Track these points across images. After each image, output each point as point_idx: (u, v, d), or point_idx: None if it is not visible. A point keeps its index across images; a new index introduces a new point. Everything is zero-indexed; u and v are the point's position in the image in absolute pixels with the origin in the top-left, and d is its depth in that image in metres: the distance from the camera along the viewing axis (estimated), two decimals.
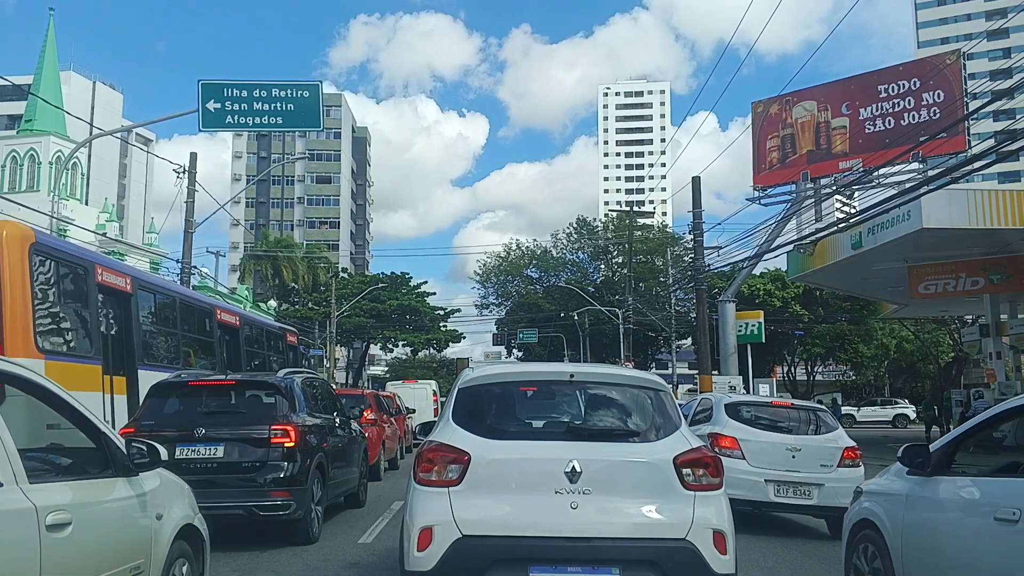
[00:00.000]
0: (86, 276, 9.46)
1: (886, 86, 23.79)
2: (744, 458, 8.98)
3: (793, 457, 8.95)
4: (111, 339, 9.85)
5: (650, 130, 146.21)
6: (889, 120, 23.64)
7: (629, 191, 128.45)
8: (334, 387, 16.17)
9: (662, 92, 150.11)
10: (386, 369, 75.77)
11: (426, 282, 58.77)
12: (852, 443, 9.25)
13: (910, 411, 43.02)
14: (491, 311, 60.66)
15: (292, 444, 7.78)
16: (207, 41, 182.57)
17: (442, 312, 59.01)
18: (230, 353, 13.81)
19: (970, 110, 18.58)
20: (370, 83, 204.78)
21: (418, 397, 27.55)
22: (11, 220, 9.10)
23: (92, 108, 62.70)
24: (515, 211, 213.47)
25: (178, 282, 20.00)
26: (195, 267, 24.80)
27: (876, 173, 22.03)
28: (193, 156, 22.71)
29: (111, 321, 9.96)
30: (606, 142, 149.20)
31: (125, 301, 10.32)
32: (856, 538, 5.38)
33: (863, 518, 5.28)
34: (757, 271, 35.41)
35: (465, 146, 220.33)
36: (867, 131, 23.98)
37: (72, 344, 9.19)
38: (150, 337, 11.22)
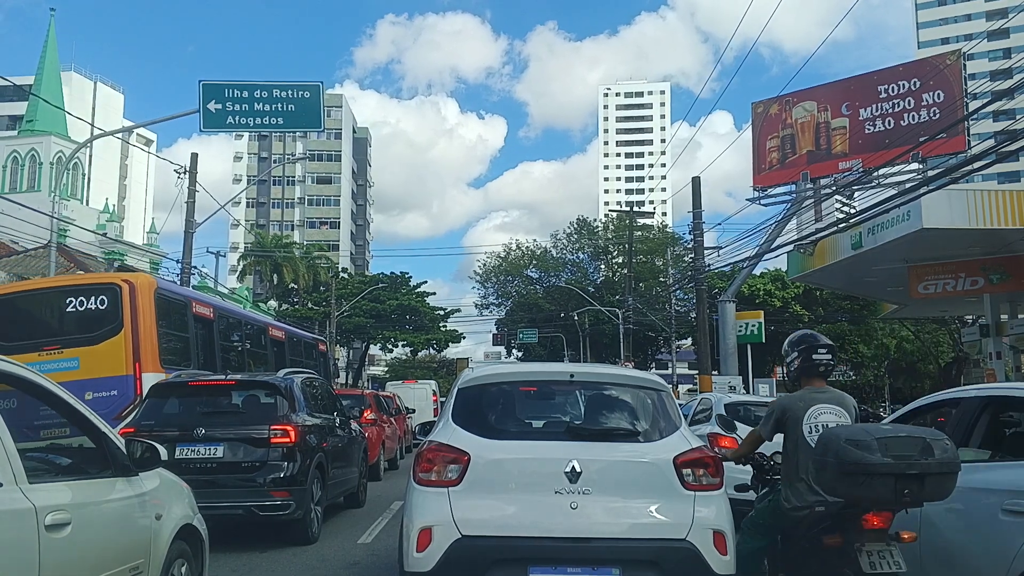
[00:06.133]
0: (185, 309, 11.86)
1: (886, 86, 23.76)
2: None
3: None
4: (202, 355, 12.04)
5: (650, 130, 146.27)
6: (889, 120, 23.62)
7: (629, 191, 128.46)
8: (334, 387, 16.34)
9: (662, 92, 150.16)
10: (386, 369, 75.69)
11: (425, 282, 58.77)
12: None
13: None
14: (491, 311, 60.69)
15: (292, 444, 7.79)
16: (225, 41, 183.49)
17: (442, 312, 58.95)
18: (278, 361, 14.85)
19: (970, 110, 18.56)
20: (393, 83, 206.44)
21: (418, 397, 27.59)
22: (140, 272, 13.25)
23: (93, 108, 62.73)
24: (528, 211, 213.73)
25: (178, 282, 20.04)
26: (195, 267, 24.82)
27: (876, 173, 22.01)
28: (194, 156, 22.72)
29: (201, 341, 12.21)
30: (606, 142, 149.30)
31: (209, 325, 12.54)
32: None
33: None
34: (757, 271, 35.42)
35: (483, 147, 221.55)
36: (867, 131, 23.96)
37: (180, 360, 11.14)
38: (226, 351, 13.22)
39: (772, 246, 22.65)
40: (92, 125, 37.36)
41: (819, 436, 4.31)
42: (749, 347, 24.55)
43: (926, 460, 3.84)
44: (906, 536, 4.19)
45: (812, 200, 23.91)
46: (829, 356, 4.78)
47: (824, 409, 4.62)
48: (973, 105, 20.35)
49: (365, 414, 13.76)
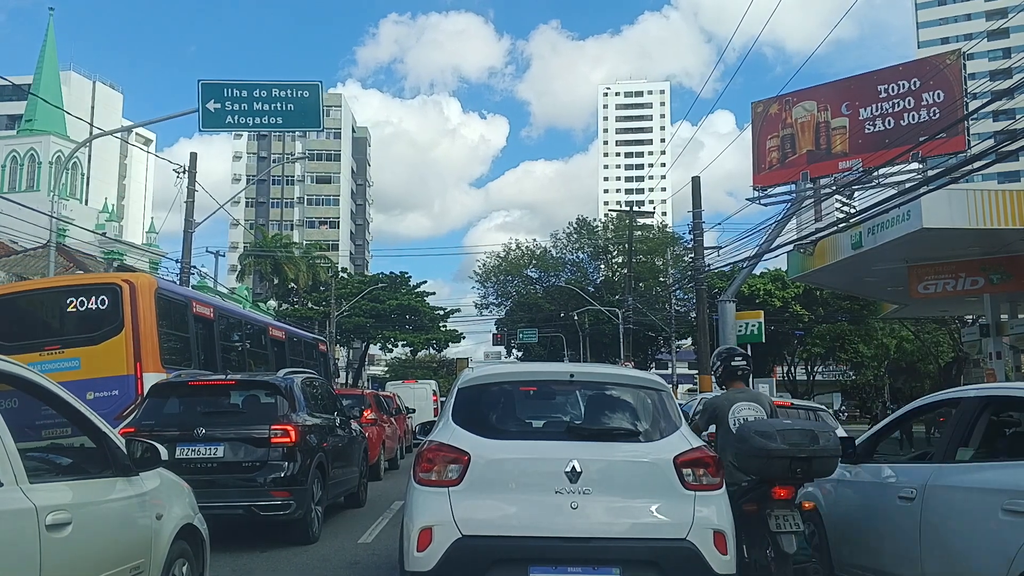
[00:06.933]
0: (186, 309, 11.89)
1: (886, 86, 23.72)
2: None
3: None
4: (203, 354, 12.06)
5: (650, 130, 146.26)
6: (889, 120, 23.58)
7: (629, 191, 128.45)
8: (334, 387, 16.36)
9: (662, 92, 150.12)
10: (386, 369, 75.67)
11: (425, 282, 58.73)
12: None
13: None
14: (491, 311, 60.64)
15: (292, 444, 7.79)
16: (226, 41, 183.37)
17: (442, 312, 58.93)
18: (278, 361, 14.88)
19: (970, 110, 18.55)
20: (395, 83, 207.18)
21: (418, 397, 27.59)
22: (141, 272, 13.15)
23: (92, 108, 62.63)
24: (529, 211, 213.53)
25: (177, 282, 20.04)
26: (195, 267, 24.79)
27: (876, 173, 21.98)
28: (193, 156, 22.70)
29: (202, 341, 12.26)
30: (606, 142, 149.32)
31: (210, 325, 12.58)
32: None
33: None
34: (757, 271, 35.39)
35: (485, 146, 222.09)
36: (867, 131, 23.92)
37: (181, 360, 11.15)
38: (226, 351, 13.25)
39: (772, 246, 22.63)
40: (91, 125, 37.36)
41: (737, 429, 5.47)
42: (749, 347, 24.50)
43: (813, 446, 4.97)
44: (807, 505, 5.34)
45: (812, 200, 23.89)
46: (745, 362, 6.17)
47: (744, 406, 5.85)
48: (973, 105, 20.34)
49: (365, 414, 13.74)
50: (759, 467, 5.09)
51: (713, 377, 6.38)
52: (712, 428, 6.08)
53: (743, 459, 5.18)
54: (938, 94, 22.59)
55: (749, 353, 6.79)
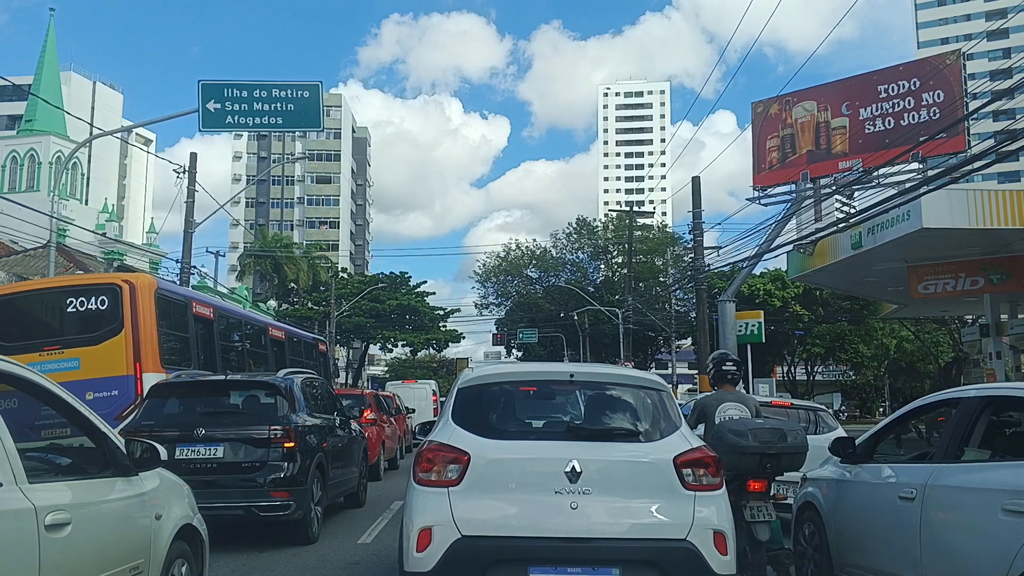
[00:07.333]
0: (186, 309, 11.90)
1: (886, 86, 23.72)
2: None
3: None
4: (202, 355, 12.10)
5: (650, 130, 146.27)
6: (889, 120, 23.57)
7: (629, 191, 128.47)
8: (334, 387, 16.37)
9: (662, 92, 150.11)
10: (386, 369, 75.69)
11: (425, 282, 58.72)
12: None
13: None
14: (491, 311, 60.65)
15: (292, 444, 7.79)
16: (228, 42, 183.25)
17: (442, 312, 58.95)
18: (278, 362, 14.88)
19: (970, 110, 18.55)
20: (397, 83, 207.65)
21: (418, 397, 27.60)
22: (141, 272, 13.46)
23: (92, 108, 62.60)
24: (530, 211, 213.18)
25: (177, 282, 20.04)
26: (195, 267, 24.77)
27: (876, 173, 21.99)
28: (193, 156, 22.69)
29: (201, 341, 12.30)
30: (606, 142, 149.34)
31: (209, 325, 12.61)
32: (801, 517, 6.33)
33: (806, 500, 6.27)
34: (757, 271, 35.39)
35: (487, 147, 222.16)
36: (867, 131, 23.91)
37: (180, 361, 11.18)
38: (226, 352, 13.27)
39: (772, 246, 22.62)
40: (91, 125, 37.36)
41: (716, 427, 5.96)
42: (749, 347, 24.52)
43: (782, 444, 5.47)
44: (779, 497, 5.98)
45: (812, 200, 23.88)
46: (735, 367, 6.72)
47: (730, 406, 6.33)
48: (973, 105, 20.34)
49: (365, 414, 13.77)
50: (733, 463, 5.44)
51: (708, 378, 6.87)
52: (702, 428, 6.35)
53: (721, 455, 5.41)
54: (938, 94, 22.58)
55: (740, 359, 7.54)
